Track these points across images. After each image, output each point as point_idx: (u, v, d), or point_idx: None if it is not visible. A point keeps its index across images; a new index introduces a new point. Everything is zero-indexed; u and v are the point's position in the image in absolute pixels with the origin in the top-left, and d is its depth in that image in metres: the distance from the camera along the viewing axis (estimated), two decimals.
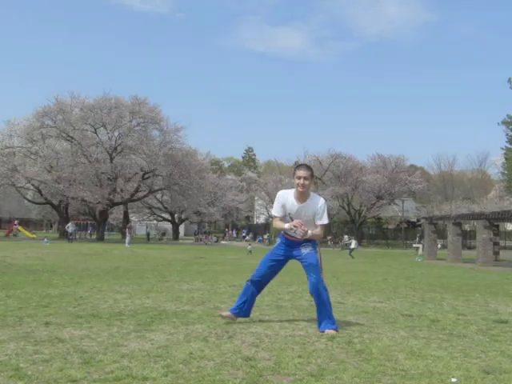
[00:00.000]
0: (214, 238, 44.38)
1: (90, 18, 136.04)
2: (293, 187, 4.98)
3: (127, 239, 30.12)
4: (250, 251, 24.42)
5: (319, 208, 4.91)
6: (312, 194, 4.99)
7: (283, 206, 4.94)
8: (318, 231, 4.94)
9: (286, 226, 4.90)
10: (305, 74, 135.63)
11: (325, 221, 4.93)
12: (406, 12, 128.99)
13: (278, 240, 5.22)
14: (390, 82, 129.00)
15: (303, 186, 4.80)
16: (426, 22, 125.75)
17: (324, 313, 4.84)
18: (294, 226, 4.79)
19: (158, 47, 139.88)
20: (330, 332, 4.69)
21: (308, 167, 4.96)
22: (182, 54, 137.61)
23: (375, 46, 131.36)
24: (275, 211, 5.01)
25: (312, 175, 4.91)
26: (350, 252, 25.08)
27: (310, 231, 4.82)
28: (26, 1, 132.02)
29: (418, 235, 39.30)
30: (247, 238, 54.08)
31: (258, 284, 5.13)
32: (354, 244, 26.67)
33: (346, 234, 28.99)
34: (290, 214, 4.89)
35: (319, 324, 4.86)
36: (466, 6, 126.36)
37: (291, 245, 5.00)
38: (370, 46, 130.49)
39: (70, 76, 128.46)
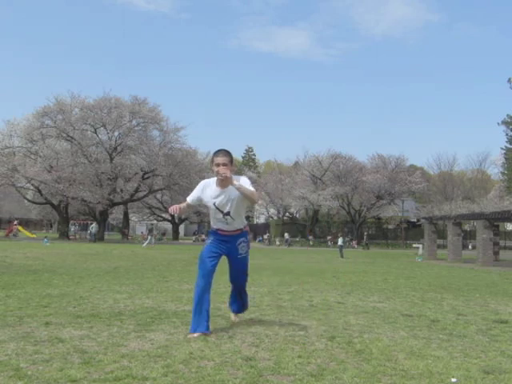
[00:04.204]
0: None
1: (92, 17, 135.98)
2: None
3: (148, 240, 30.42)
4: None
5: (242, 183, 4.56)
6: (234, 176, 4.52)
7: (201, 193, 4.66)
8: (249, 189, 4.52)
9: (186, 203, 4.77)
10: (306, 74, 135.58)
11: (251, 188, 4.56)
12: (410, 12, 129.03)
13: (210, 237, 4.81)
14: (391, 82, 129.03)
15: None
16: (430, 22, 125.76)
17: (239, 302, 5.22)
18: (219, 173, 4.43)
19: (161, 47, 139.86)
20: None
21: (227, 152, 4.56)
22: (184, 54, 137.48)
23: (378, 46, 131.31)
24: (189, 196, 4.78)
25: (231, 160, 4.56)
26: (341, 251, 24.22)
27: (236, 182, 4.43)
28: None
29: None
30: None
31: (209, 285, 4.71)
32: (340, 241, 25.72)
33: (341, 236, 28.71)
34: (214, 202, 4.58)
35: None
36: (469, 7, 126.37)
37: (225, 240, 4.72)
38: (372, 46, 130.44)
39: (70, 75, 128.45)
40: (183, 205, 4.81)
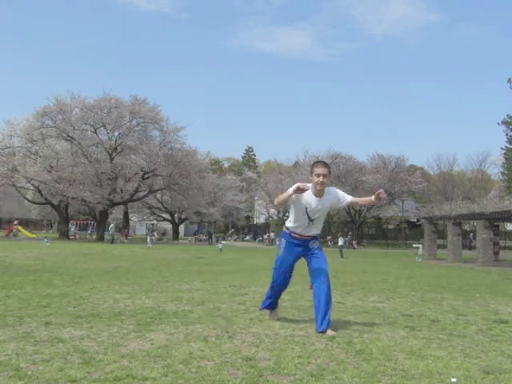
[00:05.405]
0: (215, 238, 44.45)
1: (92, 17, 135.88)
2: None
3: (149, 240, 30.38)
4: (221, 249, 25.32)
5: (337, 194, 5.05)
6: (326, 188, 4.98)
7: (300, 195, 4.83)
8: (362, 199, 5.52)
9: (291, 189, 4.70)
10: (306, 74, 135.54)
11: (349, 197, 5.14)
12: (410, 12, 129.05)
13: (283, 240, 5.13)
14: (391, 82, 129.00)
15: (322, 183, 4.82)
16: (430, 22, 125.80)
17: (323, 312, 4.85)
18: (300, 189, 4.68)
19: (161, 47, 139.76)
20: (330, 333, 4.68)
21: (326, 164, 4.97)
22: (184, 54, 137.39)
23: (378, 46, 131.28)
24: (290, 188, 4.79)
25: (330, 172, 4.94)
26: (341, 251, 24.13)
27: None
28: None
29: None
30: (247, 238, 54.20)
31: (285, 282, 5.23)
32: (341, 241, 25.72)
33: (341, 236, 28.66)
34: (307, 207, 4.87)
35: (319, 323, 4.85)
36: (469, 7, 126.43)
37: (298, 244, 5.02)
38: (372, 46, 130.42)
39: (70, 75, 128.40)
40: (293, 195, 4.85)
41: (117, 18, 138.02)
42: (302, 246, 5.02)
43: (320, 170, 4.83)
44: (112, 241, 33.81)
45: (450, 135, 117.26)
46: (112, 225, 37.35)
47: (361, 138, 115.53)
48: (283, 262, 5.12)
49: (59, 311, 5.62)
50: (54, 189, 35.08)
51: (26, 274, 10.10)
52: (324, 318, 4.76)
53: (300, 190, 4.67)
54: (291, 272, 5.18)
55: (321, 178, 4.79)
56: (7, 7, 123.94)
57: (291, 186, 4.77)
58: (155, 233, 38.64)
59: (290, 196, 4.77)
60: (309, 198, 4.86)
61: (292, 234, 5.02)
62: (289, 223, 5.08)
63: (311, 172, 4.94)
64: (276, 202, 4.98)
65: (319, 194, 4.88)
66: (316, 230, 5.05)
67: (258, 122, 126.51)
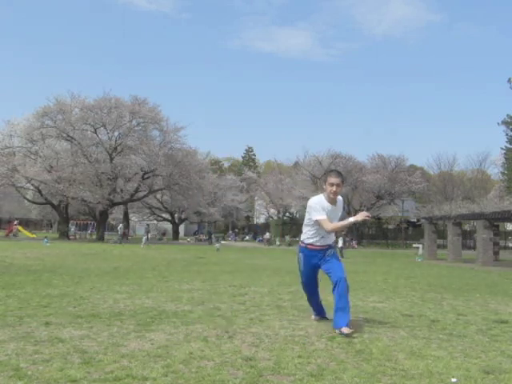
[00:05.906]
0: (214, 238, 44.47)
1: (92, 17, 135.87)
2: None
3: (144, 240, 30.15)
4: (218, 249, 25.57)
5: (342, 204, 5.30)
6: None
7: (323, 208, 5.02)
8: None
9: (352, 219, 5.01)
10: (306, 74, 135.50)
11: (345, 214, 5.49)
12: (410, 12, 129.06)
13: (300, 254, 5.26)
14: (391, 82, 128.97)
15: (335, 193, 4.98)
16: (430, 22, 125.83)
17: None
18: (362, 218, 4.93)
19: (161, 47, 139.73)
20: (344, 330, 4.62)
21: (339, 174, 5.09)
22: (184, 54, 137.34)
23: (378, 46, 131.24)
24: (320, 214, 4.97)
25: (343, 181, 5.08)
26: (341, 251, 23.93)
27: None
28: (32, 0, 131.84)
29: None
30: (247, 237, 54.22)
31: (312, 290, 5.43)
32: (340, 242, 25.68)
33: (341, 236, 28.67)
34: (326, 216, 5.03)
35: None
36: (469, 7, 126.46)
37: (313, 255, 5.13)
38: (372, 46, 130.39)
39: (70, 75, 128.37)
40: (350, 219, 5.14)
41: (117, 18, 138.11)
42: (318, 258, 5.11)
43: (334, 179, 4.97)
44: (120, 242, 33.25)
45: (450, 135, 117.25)
46: (121, 225, 36.91)
47: (361, 138, 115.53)
48: (304, 275, 5.31)
49: (59, 311, 5.62)
50: (54, 189, 35.07)
51: (26, 274, 10.10)
52: (344, 315, 4.76)
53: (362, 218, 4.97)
54: (316, 282, 5.37)
55: (334, 188, 4.95)
56: (7, 7, 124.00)
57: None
58: (149, 234, 38.50)
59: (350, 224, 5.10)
60: (326, 207, 5.02)
61: (308, 247, 5.14)
62: (305, 237, 5.18)
63: (325, 180, 5.08)
64: (330, 228, 5.01)
65: (333, 202, 5.06)
66: (331, 239, 5.19)
67: (258, 121, 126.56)
